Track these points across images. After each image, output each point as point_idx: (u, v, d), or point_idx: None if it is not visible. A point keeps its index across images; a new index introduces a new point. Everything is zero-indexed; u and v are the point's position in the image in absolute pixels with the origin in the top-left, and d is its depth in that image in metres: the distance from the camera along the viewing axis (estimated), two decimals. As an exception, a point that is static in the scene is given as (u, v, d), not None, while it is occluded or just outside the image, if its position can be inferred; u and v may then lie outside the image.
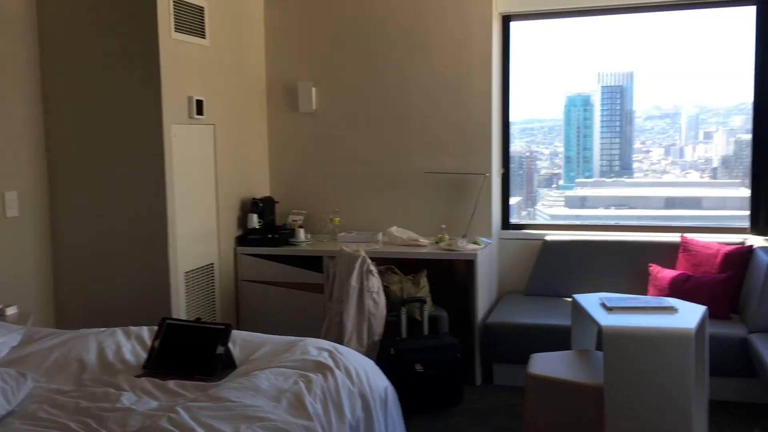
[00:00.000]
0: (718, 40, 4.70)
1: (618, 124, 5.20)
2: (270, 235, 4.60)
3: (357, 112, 4.90)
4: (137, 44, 3.83)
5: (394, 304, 4.14)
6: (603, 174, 5.27)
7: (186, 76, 4.06)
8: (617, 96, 5.16)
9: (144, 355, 2.63)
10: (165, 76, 3.84)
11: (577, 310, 3.55)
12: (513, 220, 5.06)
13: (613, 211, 5.30)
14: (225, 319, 4.50)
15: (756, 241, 4.37)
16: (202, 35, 4.19)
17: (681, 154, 5.31)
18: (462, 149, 4.71)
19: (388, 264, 4.41)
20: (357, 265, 3.97)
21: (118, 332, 2.89)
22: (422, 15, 4.71)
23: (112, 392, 2.21)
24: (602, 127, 5.20)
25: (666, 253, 4.47)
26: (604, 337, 2.97)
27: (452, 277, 4.68)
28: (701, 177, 5.20)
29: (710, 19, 4.71)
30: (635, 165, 5.25)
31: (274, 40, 4.98)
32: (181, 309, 4.02)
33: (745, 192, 4.67)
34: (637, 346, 2.95)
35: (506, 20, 4.85)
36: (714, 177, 5.14)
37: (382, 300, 4.06)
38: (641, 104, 5.27)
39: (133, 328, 2.96)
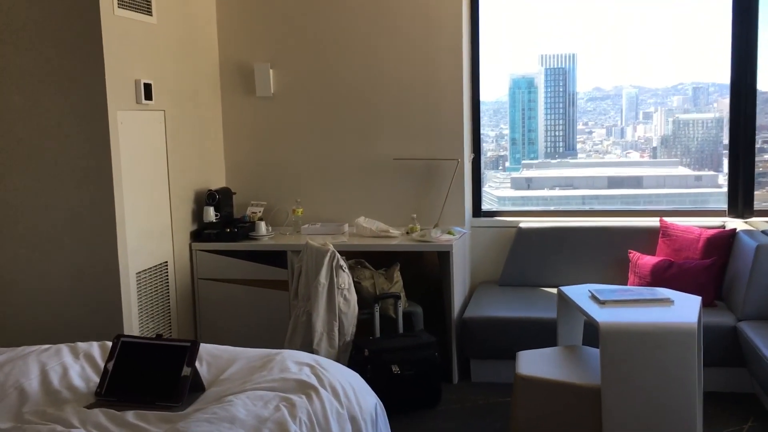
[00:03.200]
0: (656, 22, 4.74)
1: (561, 105, 5.24)
2: (228, 229, 4.27)
3: (319, 95, 4.58)
4: (76, 22, 3.42)
5: (366, 301, 3.87)
6: (548, 155, 5.32)
7: (132, 57, 3.67)
8: (560, 78, 5.19)
9: (95, 379, 2.29)
10: (109, 58, 3.45)
11: (564, 302, 3.35)
12: (485, 206, 4.84)
13: (570, 192, 5.33)
14: (182, 322, 4.16)
15: (735, 224, 4.25)
16: (149, 12, 3.79)
17: (622, 135, 5.41)
18: (432, 134, 4.44)
19: (356, 257, 4.13)
20: (326, 260, 3.68)
21: (64, 351, 2.53)
22: (387, -10, 4.41)
23: (59, 430, 1.87)
24: (546, 108, 5.23)
25: (645, 239, 4.31)
26: (601, 335, 2.76)
27: (424, 269, 4.43)
28: (641, 157, 5.30)
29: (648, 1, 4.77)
30: (579, 146, 5.33)
31: (227, 17, 4.60)
32: (133, 314, 3.66)
33: (685, 171, 4.88)
34: (638, 344, 2.75)
35: (475, -4, 4.59)
36: (654, 156, 5.25)
37: (353, 297, 3.78)
38: (583, 86, 5.37)
39: (81, 345, 2.60)
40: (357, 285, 3.87)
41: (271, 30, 4.58)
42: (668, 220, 4.29)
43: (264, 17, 4.57)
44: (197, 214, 4.33)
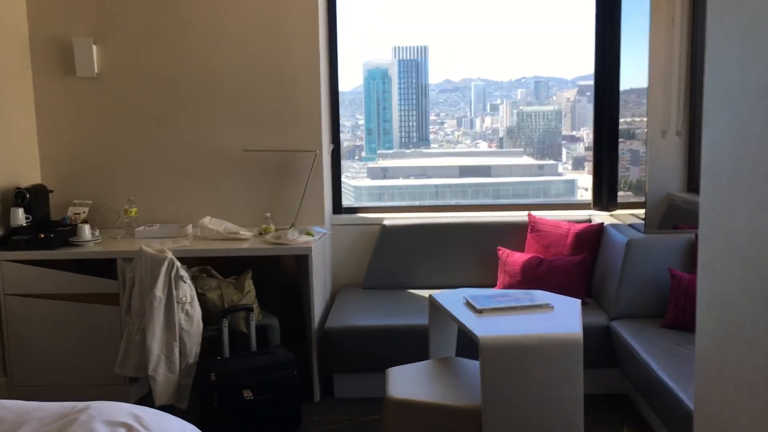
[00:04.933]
0: (502, 18, 5.04)
1: (414, 96, 5.36)
2: (43, 234, 3.57)
3: (153, 76, 3.96)
4: None
5: (212, 315, 3.34)
6: (402, 145, 5.40)
7: None
8: (413, 70, 5.28)
9: None
10: None
11: (436, 310, 3.02)
12: (345, 202, 4.44)
13: (425, 181, 5.49)
14: (-17, 349, 3.42)
15: (602, 217, 4.15)
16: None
17: (471, 126, 5.61)
18: (287, 123, 3.97)
19: (201, 264, 3.58)
20: (162, 270, 3.12)
21: None
22: (232, -41, 3.88)
23: None
24: (400, 99, 5.31)
25: (513, 234, 4.11)
26: (481, 351, 2.44)
27: (280, 274, 3.97)
28: (489, 147, 5.53)
29: None
30: (431, 136, 5.49)
31: (36, -18, 3.87)
32: None
33: (529, 160, 5.19)
34: (521, 358, 2.46)
35: (331, -29, 4.16)
36: (500, 146, 5.51)
37: (197, 312, 3.25)
38: (435, 78, 5.59)
39: None
40: (201, 297, 3.34)
41: (93, -1, 3.90)
42: (536, 214, 4.11)
43: (85, -17, 3.89)
44: (2, 217, 3.59)
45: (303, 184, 3.93)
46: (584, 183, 5.18)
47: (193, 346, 3.23)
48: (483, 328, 2.54)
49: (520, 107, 5.40)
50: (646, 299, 3.46)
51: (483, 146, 5.55)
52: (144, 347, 3.16)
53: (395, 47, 5.30)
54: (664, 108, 4.53)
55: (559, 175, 5.34)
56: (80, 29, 3.90)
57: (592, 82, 5.66)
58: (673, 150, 4.48)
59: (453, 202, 4.98)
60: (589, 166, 5.38)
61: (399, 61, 5.29)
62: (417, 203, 4.72)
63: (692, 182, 4.56)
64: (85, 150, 3.99)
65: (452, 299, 2.94)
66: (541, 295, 2.90)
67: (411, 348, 3.42)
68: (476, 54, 5.18)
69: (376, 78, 5.30)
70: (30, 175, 3.89)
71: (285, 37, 3.91)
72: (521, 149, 5.40)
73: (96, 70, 3.92)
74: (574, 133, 5.61)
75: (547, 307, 2.76)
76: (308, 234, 3.64)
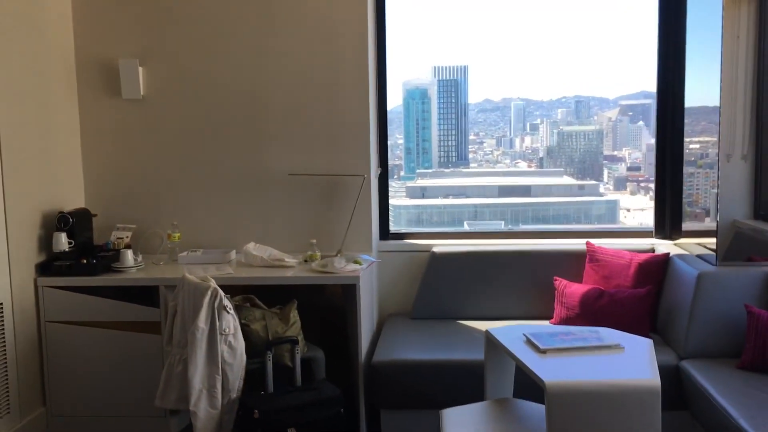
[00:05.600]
0: (543, 37, 4.99)
1: (454, 116, 5.36)
2: (85, 260, 3.48)
3: (199, 99, 3.87)
4: None
5: (256, 347, 3.20)
6: (441, 165, 5.40)
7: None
8: (452, 89, 5.30)
9: None
10: None
11: (493, 346, 2.83)
12: (393, 227, 4.28)
13: (463, 200, 5.47)
14: (24, 379, 3.34)
15: (665, 246, 3.90)
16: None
17: (511, 145, 5.61)
18: (334, 146, 3.84)
19: (245, 293, 3.45)
20: (206, 300, 2.99)
21: None
22: (280, -22, 3.78)
23: None
24: (439, 119, 5.34)
25: (571, 263, 3.89)
26: (548, 397, 2.24)
27: (325, 302, 3.81)
28: (529, 166, 5.51)
29: (537, 14, 4.99)
30: (470, 156, 5.50)
31: (84, 2, 3.82)
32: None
33: (570, 180, 5.23)
34: (592, 407, 2.25)
35: (381, -10, 4.04)
36: (540, 166, 5.47)
37: (240, 344, 3.11)
38: (474, 97, 5.59)
39: None
40: (245, 328, 3.20)
41: (141, 19, 3.83)
42: (595, 242, 3.89)
43: (132, 3, 3.83)
44: (45, 242, 3.52)
45: (350, 209, 3.78)
46: (626, 203, 5.24)
47: (236, 380, 3.09)
48: (549, 371, 2.34)
49: (561, 127, 5.38)
50: (719, 338, 3.21)
51: (523, 166, 5.53)
52: (185, 379, 3.02)
53: (435, 67, 5.32)
54: (730, 130, 4.30)
55: (601, 195, 5.29)
56: (126, 50, 3.83)
57: (634, 102, 5.63)
58: (739, 174, 4.24)
59: (503, 227, 4.83)
60: (631, 186, 5.36)
61: (438, 80, 5.30)
62: (467, 229, 4.54)
63: (759, 209, 4.30)
64: (130, 173, 3.91)
65: (511, 336, 2.74)
66: (609, 334, 2.68)
67: (463, 384, 3.23)
68: (516, 73, 5.17)
69: (416, 97, 5.29)
70: (74, 199, 3.82)
71: (333, 57, 3.79)
72: (561, 169, 5.37)
73: (142, 92, 3.85)
74: (615, 153, 5.55)
75: (617, 347, 2.54)
76: (356, 262, 3.48)
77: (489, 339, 2.82)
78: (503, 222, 5.32)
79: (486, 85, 5.50)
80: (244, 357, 3.12)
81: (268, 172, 3.86)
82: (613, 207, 5.31)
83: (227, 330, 3.05)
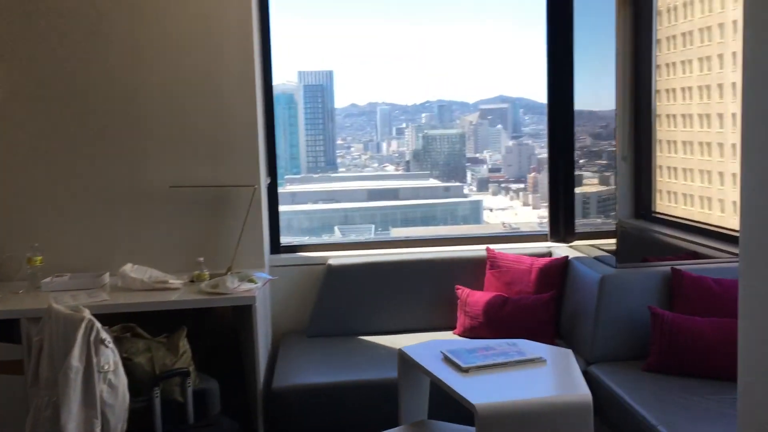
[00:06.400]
0: (405, 43, 5.25)
1: (321, 121, 5.41)
2: (-74, 293, 2.96)
3: (61, 103, 3.42)
4: None
5: (141, 384, 2.83)
6: (310, 170, 5.43)
7: None
8: (319, 94, 5.33)
9: None
10: None
11: (407, 366, 2.65)
12: (286, 240, 4.01)
13: (333, 205, 5.50)
14: None
15: (561, 249, 3.90)
16: None
17: (378, 149, 5.72)
18: (220, 155, 3.51)
19: (125, 322, 3.06)
20: (79, 334, 2.59)
21: None
22: (153, -31, 3.41)
23: None
24: (306, 124, 5.36)
25: (471, 270, 3.80)
26: (479, 422, 2.08)
27: (215, 328, 3.48)
28: (396, 170, 5.64)
29: (399, 20, 5.32)
30: (339, 160, 5.59)
31: None
32: None
33: (436, 182, 5.37)
34: (527, 428, 2.11)
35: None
36: (407, 169, 5.60)
37: (122, 381, 2.72)
38: (340, 102, 5.72)
39: None
40: (127, 363, 2.82)
41: (-14, 13, 3.33)
42: (495, 248, 3.81)
43: (-25, -5, 3.32)
44: None
45: (239, 222, 3.47)
46: (488, 203, 5.57)
47: (119, 422, 2.70)
48: (476, 392, 2.18)
49: (425, 131, 5.51)
50: (624, 340, 3.21)
51: (390, 169, 5.64)
52: (57, 425, 2.61)
53: (300, 72, 5.32)
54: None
55: (465, 196, 5.50)
56: (-30, 48, 3.32)
57: (493, 106, 5.94)
58: (620, 175, 4.37)
59: (402, 236, 4.71)
60: (493, 187, 5.67)
61: (304, 85, 5.28)
62: (363, 239, 4.35)
63: (640, 208, 4.43)
64: (-22, 189, 3.40)
65: (427, 354, 2.57)
66: (528, 346, 2.58)
67: (373, 406, 3.04)
68: (381, 78, 5.35)
69: (282, 103, 5.22)
70: None
71: (216, 58, 3.47)
72: (428, 172, 5.50)
73: (-9, 96, 3.34)
74: (477, 155, 5.78)
75: (539, 361, 2.44)
76: (250, 281, 3.19)
77: (403, 358, 2.64)
78: (373, 225, 5.38)
79: (352, 90, 5.68)
80: (128, 396, 2.74)
81: (145, 184, 3.47)
82: (477, 207, 5.55)
83: (106, 367, 2.66)
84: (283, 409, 3.08)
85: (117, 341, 2.83)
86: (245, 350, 3.24)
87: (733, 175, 4.93)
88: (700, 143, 4.96)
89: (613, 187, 4.46)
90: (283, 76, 5.29)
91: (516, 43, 5.58)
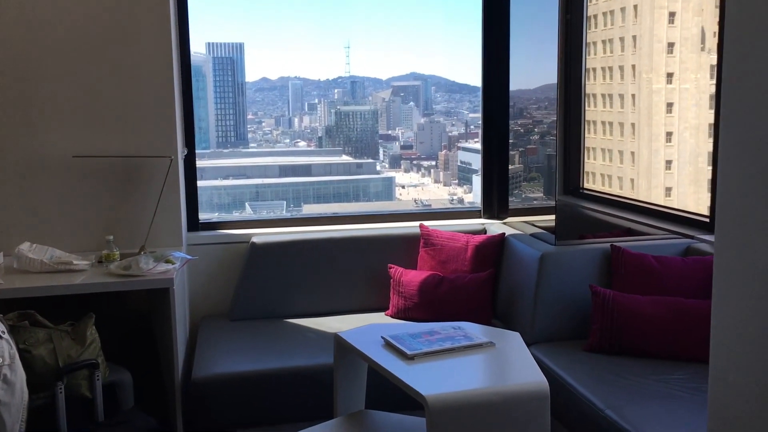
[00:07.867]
0: (314, 17, 5.14)
1: (231, 95, 5.28)
2: None
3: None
4: None
5: (42, 378, 2.51)
6: (219, 145, 5.30)
7: None
8: (228, 67, 5.17)
9: None
10: None
11: (344, 353, 2.45)
12: (203, 217, 3.71)
13: (244, 181, 5.36)
14: None
15: (495, 226, 3.78)
16: None
17: (290, 125, 5.64)
18: (131, 122, 3.17)
19: (22, 308, 2.71)
20: (-34, 324, 2.24)
21: None
22: None
23: None
24: (215, 97, 5.21)
25: (404, 248, 3.62)
26: (430, 415, 1.90)
27: (127, 313, 3.16)
28: (308, 146, 5.61)
29: None
30: (249, 135, 5.47)
31: None
32: None
33: (348, 159, 5.42)
34: (481, 419, 1.95)
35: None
36: (319, 145, 5.58)
37: (20, 376, 2.36)
38: (251, 76, 5.59)
39: None
40: (25, 355, 2.49)
41: None
42: (429, 225, 3.65)
43: None
44: None
45: (153, 197, 3.15)
46: (400, 180, 5.55)
47: (16, 422, 2.36)
48: (425, 382, 2.00)
49: (338, 107, 5.45)
50: (564, 320, 3.11)
51: (302, 145, 5.59)
52: (-60, 429, 2.26)
53: (209, 43, 5.10)
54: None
55: (378, 173, 5.50)
56: None
57: (405, 83, 5.93)
58: (557, 153, 4.34)
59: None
60: (405, 164, 5.67)
61: (213, 57, 5.08)
62: (289, 216, 4.10)
63: (569, 184, 4.40)
64: None
65: (367, 340, 2.37)
66: (475, 330, 2.42)
67: (303, 395, 2.84)
68: (293, 52, 5.21)
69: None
70: None
71: (126, 14, 3.10)
72: (340, 148, 5.50)
73: None
74: (389, 132, 5.76)
75: (488, 345, 2.28)
76: (167, 261, 2.89)
77: (340, 344, 2.43)
78: (285, 202, 5.27)
79: (263, 64, 5.63)
80: (26, 392, 2.39)
81: (44, 154, 3.09)
82: (389, 184, 5.55)
83: (1, 361, 2.33)
84: (204, 401, 2.82)
85: (13, 331, 2.50)
86: (161, 337, 2.95)
87: (632, 153, 5.02)
88: (603, 122, 5.02)
89: (521, 165, 4.44)
90: (191, 48, 5.19)
91: (430, 19, 5.50)
